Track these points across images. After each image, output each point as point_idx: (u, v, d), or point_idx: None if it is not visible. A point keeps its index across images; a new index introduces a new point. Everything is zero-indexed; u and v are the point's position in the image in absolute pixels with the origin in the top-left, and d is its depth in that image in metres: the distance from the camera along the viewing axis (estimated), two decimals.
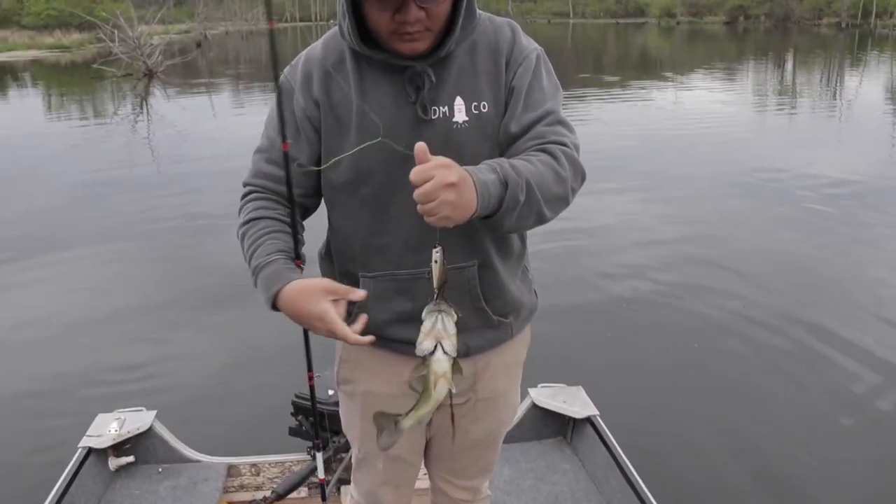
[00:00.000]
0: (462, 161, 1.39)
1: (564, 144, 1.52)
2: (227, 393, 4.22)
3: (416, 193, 1.27)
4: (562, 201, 1.49)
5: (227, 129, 14.18)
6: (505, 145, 1.56)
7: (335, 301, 1.43)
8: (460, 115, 1.54)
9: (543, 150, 1.49)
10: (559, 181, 1.46)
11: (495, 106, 1.56)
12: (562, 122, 1.57)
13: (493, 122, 1.56)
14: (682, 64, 31.65)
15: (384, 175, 1.56)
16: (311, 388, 1.90)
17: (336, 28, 1.61)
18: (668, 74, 25.86)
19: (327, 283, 1.46)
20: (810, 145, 12.01)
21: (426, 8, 1.43)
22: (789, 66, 30.84)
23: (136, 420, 3.01)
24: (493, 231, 1.55)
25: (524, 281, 1.80)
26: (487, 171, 1.36)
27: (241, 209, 1.68)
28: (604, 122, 14.34)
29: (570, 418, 3.14)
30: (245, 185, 1.70)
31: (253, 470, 2.99)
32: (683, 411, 4.00)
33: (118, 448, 2.96)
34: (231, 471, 2.98)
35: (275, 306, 1.50)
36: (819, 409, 4.00)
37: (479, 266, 1.63)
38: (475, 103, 1.55)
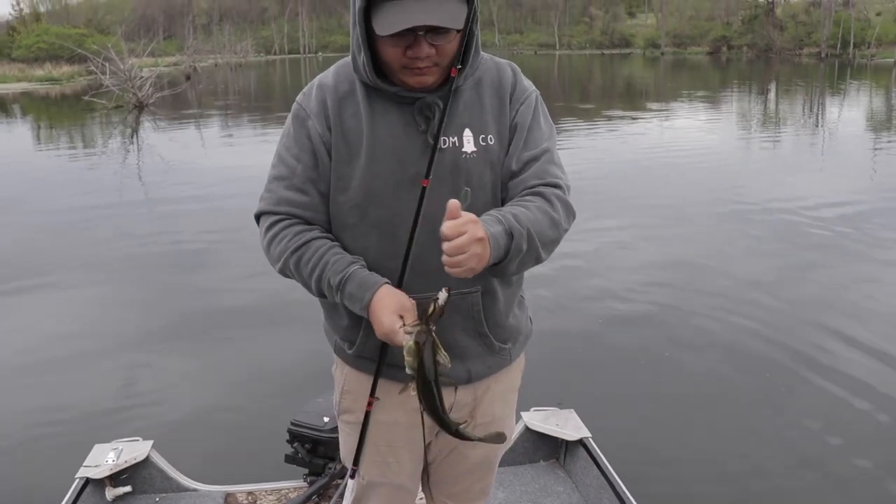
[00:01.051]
0: (472, 187, 1.60)
1: (558, 186, 1.66)
2: (223, 421, 4.22)
3: (449, 247, 1.39)
4: (556, 243, 1.63)
5: (216, 159, 14.28)
6: (506, 180, 1.67)
7: (401, 317, 1.53)
8: (469, 146, 1.62)
9: (540, 195, 1.62)
10: (554, 226, 1.60)
11: (499, 139, 1.66)
12: (556, 164, 1.70)
13: (498, 155, 1.65)
14: (667, 93, 32.05)
15: (394, 198, 1.61)
16: (368, 412, 1.78)
17: (347, 58, 1.68)
18: (653, 104, 26.19)
19: (405, 303, 1.55)
20: (793, 172, 12.18)
21: (436, 45, 1.52)
22: (772, 94, 31.29)
23: (133, 450, 3.03)
24: (496, 275, 1.63)
25: (521, 308, 1.86)
26: (494, 223, 1.48)
27: (274, 237, 1.66)
28: (590, 150, 14.50)
29: (562, 441, 3.18)
30: (265, 213, 1.70)
31: (250, 498, 3.01)
32: (675, 434, 4.06)
33: (115, 478, 2.97)
34: (228, 499, 3.00)
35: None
36: (808, 432, 4.05)
37: (482, 292, 1.69)
38: (482, 135, 1.64)
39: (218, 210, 9.47)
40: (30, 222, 9.36)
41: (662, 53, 78.08)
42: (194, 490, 3.04)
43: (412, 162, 1.60)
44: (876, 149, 15.05)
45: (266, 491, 3.02)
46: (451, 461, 1.92)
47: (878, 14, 65.10)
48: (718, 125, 19.61)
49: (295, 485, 3.03)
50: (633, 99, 29.31)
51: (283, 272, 1.69)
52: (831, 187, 10.62)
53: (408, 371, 1.50)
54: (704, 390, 4.55)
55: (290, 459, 3.00)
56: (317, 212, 1.67)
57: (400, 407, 1.75)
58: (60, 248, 8.10)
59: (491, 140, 1.64)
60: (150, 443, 3.09)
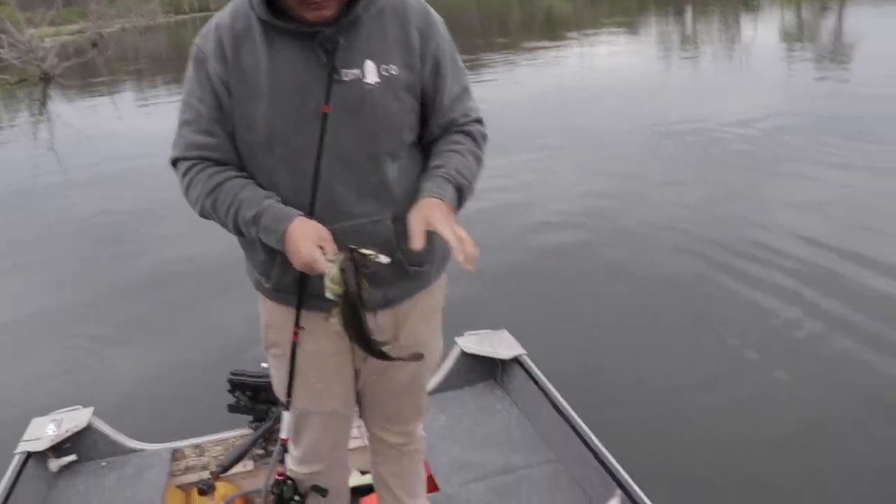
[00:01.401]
0: (375, 118, 1.62)
1: (479, 120, 1.82)
2: (163, 381, 4.20)
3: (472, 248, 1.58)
4: (479, 175, 1.80)
5: (133, 125, 13.83)
6: (438, 114, 1.74)
7: (321, 247, 1.58)
8: (371, 77, 1.63)
9: (469, 135, 1.76)
10: (479, 162, 1.78)
11: (406, 70, 1.66)
12: (472, 96, 1.82)
13: (403, 84, 1.66)
14: (586, 22, 32.07)
15: (299, 133, 1.62)
16: (294, 344, 1.86)
17: None
18: (573, 33, 26.21)
19: (323, 234, 1.59)
20: (712, 91, 12.39)
21: None
22: (689, 16, 31.60)
23: (74, 419, 3.00)
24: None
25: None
26: (444, 183, 1.66)
27: (190, 182, 1.69)
28: (512, 83, 14.48)
29: (498, 360, 3.26)
30: (179, 159, 1.71)
31: (197, 451, 3.02)
32: (606, 347, 4.22)
33: (58, 449, 2.93)
34: (176, 454, 3.00)
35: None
36: (732, 342, 4.21)
37: (392, 219, 1.71)
38: (384, 66, 1.64)
39: (141, 174, 9.23)
40: None
41: None
42: (140, 450, 3.03)
43: (314, 97, 1.60)
44: (790, 63, 15.41)
45: (212, 442, 3.03)
46: (382, 385, 1.96)
47: None
48: (638, 50, 19.76)
49: (240, 433, 3.04)
50: (552, 30, 29.27)
51: (203, 214, 1.72)
52: (750, 103, 10.81)
53: (332, 298, 1.54)
54: (632, 306, 4.71)
55: (233, 409, 3.00)
56: (227, 152, 1.68)
57: (325, 335, 1.79)
58: None
59: (394, 70, 1.65)
60: (90, 410, 3.06)
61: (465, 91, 1.79)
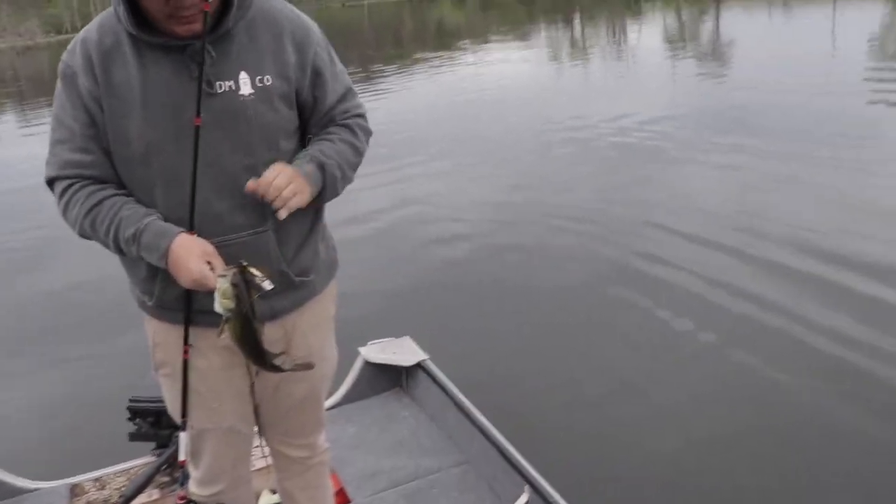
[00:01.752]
0: (251, 130, 1.63)
1: (360, 115, 1.83)
2: (56, 413, 4.06)
3: (272, 188, 1.57)
4: (358, 166, 1.82)
5: (19, 150, 13.16)
6: (318, 119, 1.76)
7: (208, 262, 1.58)
8: (246, 88, 1.63)
9: (344, 126, 1.78)
10: (356, 152, 1.79)
11: (280, 80, 1.67)
12: (355, 94, 1.84)
13: (279, 93, 1.67)
14: (478, 33, 32.59)
15: (175, 147, 1.61)
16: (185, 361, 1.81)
17: (111, 8, 1.62)
18: (466, 44, 26.60)
19: (208, 249, 1.60)
20: (601, 94, 12.89)
21: None
22: (577, 24, 32.58)
23: None
24: (321, 202, 1.75)
25: (323, 239, 1.88)
26: (306, 162, 1.66)
27: (68, 202, 1.65)
28: (407, 95, 14.61)
29: (402, 368, 3.29)
30: (55, 179, 1.67)
31: (98, 484, 2.91)
32: (507, 348, 4.33)
33: None
34: (75, 490, 2.88)
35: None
36: (630, 340, 4.36)
37: (273, 230, 1.71)
38: (259, 77, 1.64)
39: (25, 201, 8.77)
40: None
41: None
42: (35, 490, 2.90)
43: (188, 111, 1.58)
44: (672, 64, 16.13)
45: (114, 473, 2.93)
46: (277, 399, 1.94)
47: None
48: (528, 57, 20.22)
49: (144, 461, 2.94)
50: (444, 40, 29.63)
51: (83, 234, 1.69)
52: (636, 103, 11.31)
53: (223, 313, 1.54)
54: (532, 309, 4.83)
55: (134, 436, 2.89)
56: (104, 168, 1.65)
57: (213, 351, 1.78)
58: None
59: (269, 80, 1.65)
60: None
61: (348, 91, 1.81)
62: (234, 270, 1.53)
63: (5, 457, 3.16)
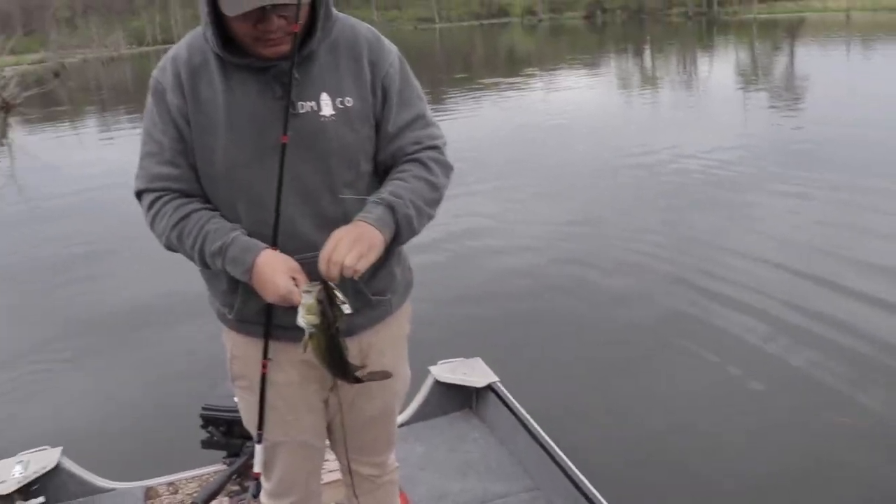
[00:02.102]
0: (332, 150, 1.66)
1: (435, 147, 1.78)
2: (135, 418, 4.14)
3: (335, 267, 1.54)
4: (438, 202, 1.77)
5: (96, 155, 13.74)
6: (385, 143, 1.74)
7: (293, 278, 1.59)
8: (327, 110, 1.66)
9: (416, 161, 1.74)
10: (433, 188, 1.74)
11: (360, 101, 1.69)
12: (431, 124, 1.81)
13: (359, 115, 1.69)
14: (548, 59, 32.68)
15: (258, 166, 1.65)
16: (263, 375, 1.83)
17: (200, 28, 1.66)
18: (535, 70, 26.66)
19: (293, 265, 1.62)
20: (672, 123, 12.75)
21: (286, 16, 1.54)
22: (648, 54, 32.39)
23: (42, 459, 2.92)
24: (399, 244, 1.73)
25: (398, 259, 1.88)
26: (373, 207, 1.63)
27: (156, 214, 1.69)
28: (477, 119, 14.68)
29: (472, 389, 3.28)
30: (143, 191, 1.72)
31: (171, 488, 2.97)
32: (578, 373, 4.28)
33: (25, 491, 2.83)
34: (149, 493, 2.95)
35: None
36: (705, 369, 4.28)
37: None
38: (339, 98, 1.67)
39: (105, 205, 9.16)
40: None
41: (540, 20, 79.27)
42: (112, 490, 2.97)
43: (272, 129, 1.62)
44: (744, 98, 15.87)
45: (187, 479, 3.00)
46: (351, 415, 1.95)
47: None
48: (597, 86, 20.18)
49: (215, 468, 3.01)
50: (514, 67, 29.71)
51: (169, 247, 1.72)
52: (706, 136, 11.16)
53: (307, 328, 1.57)
54: (605, 334, 4.80)
55: (206, 444, 2.97)
56: (191, 183, 1.70)
57: (291, 365, 1.81)
58: None
59: (349, 102, 1.68)
60: (59, 450, 2.98)
61: (419, 118, 1.78)
62: (319, 287, 1.56)
63: (85, 452, 3.27)
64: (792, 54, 26.28)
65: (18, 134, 19.44)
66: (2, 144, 17.64)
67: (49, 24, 66.97)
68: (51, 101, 27.41)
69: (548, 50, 40.19)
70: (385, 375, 1.83)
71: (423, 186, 1.72)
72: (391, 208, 1.65)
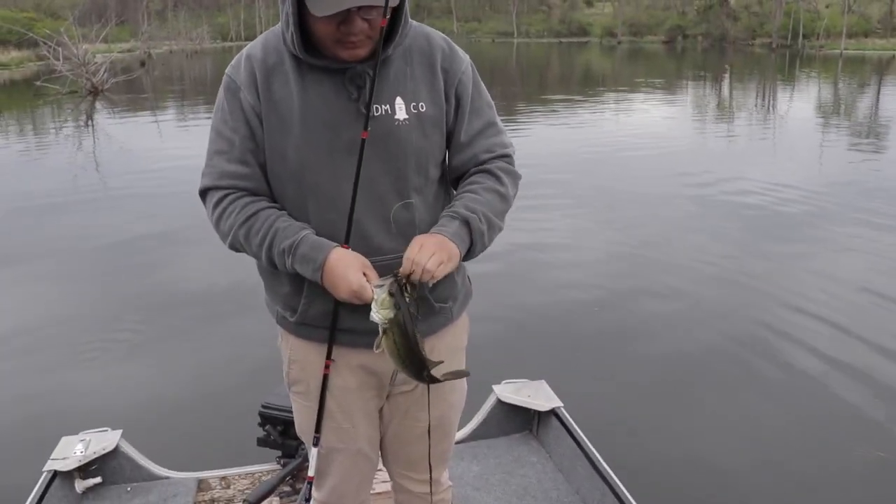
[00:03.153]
0: (404, 154, 1.67)
1: (505, 155, 1.81)
2: (193, 407, 4.21)
3: (418, 269, 1.56)
4: (507, 212, 1.79)
5: (173, 145, 14.10)
6: (457, 151, 1.76)
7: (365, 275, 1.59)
8: (401, 114, 1.66)
9: (487, 172, 1.76)
10: (503, 200, 1.76)
11: (433, 107, 1.70)
12: (500, 132, 1.82)
13: (431, 121, 1.70)
14: (625, 82, 32.37)
15: (329, 166, 1.64)
16: (325, 377, 1.83)
17: (276, 27, 1.68)
18: (611, 92, 26.43)
19: (365, 262, 1.61)
20: (748, 159, 12.44)
21: (369, 20, 1.55)
22: (726, 83, 31.80)
23: (102, 440, 2.99)
24: (471, 257, 1.74)
25: (460, 270, 1.86)
26: (449, 220, 1.66)
27: (223, 212, 1.68)
28: (548, 138, 14.61)
29: (534, 412, 3.22)
30: (210, 188, 1.71)
31: (223, 483, 3.00)
32: (643, 404, 4.19)
33: (84, 469, 2.92)
34: (201, 485, 2.98)
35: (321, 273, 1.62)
36: (771, 405, 4.19)
37: None
38: (414, 103, 1.68)
39: (178, 195, 9.37)
40: None
41: (619, 42, 78.66)
42: (166, 478, 3.02)
43: (345, 130, 1.63)
44: (824, 134, 15.47)
45: (239, 475, 3.02)
46: (405, 426, 1.92)
47: (828, 6, 66.33)
48: (675, 113, 19.88)
49: (268, 468, 3.03)
50: (589, 86, 29.53)
51: (234, 246, 1.71)
52: (783, 169, 10.98)
53: (382, 323, 1.55)
54: (671, 364, 4.71)
55: (262, 442, 2.99)
56: (260, 182, 1.69)
57: (350, 371, 1.80)
58: (17, 238, 7.93)
59: (423, 107, 1.68)
60: (118, 432, 3.05)
61: (490, 126, 1.79)
62: (392, 280, 1.55)
63: (143, 436, 3.33)
64: (878, 94, 25.45)
65: (103, 117, 20.10)
66: (87, 126, 18.27)
67: (141, 15, 69.41)
68: (135, 88, 28.36)
69: (624, 72, 39.81)
70: (462, 374, 1.79)
71: (495, 199, 1.73)
72: (466, 223, 1.66)
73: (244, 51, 1.71)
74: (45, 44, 27.79)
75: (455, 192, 1.79)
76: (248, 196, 1.68)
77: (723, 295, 5.86)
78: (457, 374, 1.77)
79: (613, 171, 11.37)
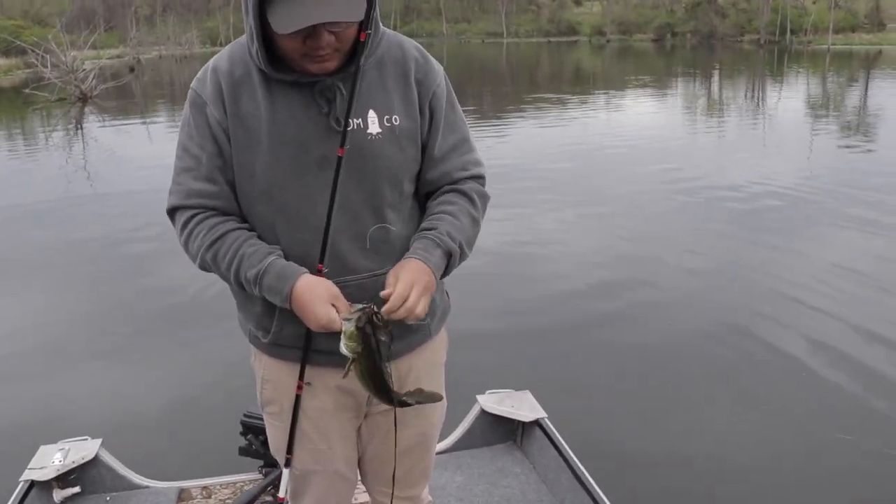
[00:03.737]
0: (377, 169, 1.61)
1: (479, 176, 1.77)
2: (174, 417, 4.18)
3: (405, 312, 1.53)
4: (476, 237, 1.75)
5: (164, 150, 14.04)
6: (430, 165, 1.70)
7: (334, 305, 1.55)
8: (374, 127, 1.60)
9: (464, 194, 1.72)
10: (475, 224, 1.73)
11: (407, 120, 1.64)
12: (474, 149, 1.78)
13: (405, 134, 1.64)
14: (613, 80, 32.43)
15: (299, 183, 1.59)
16: (298, 396, 1.78)
17: (243, 39, 1.61)
18: (600, 90, 26.50)
19: (333, 291, 1.56)
20: (737, 155, 12.45)
21: (335, 32, 1.48)
22: (715, 80, 31.90)
23: (81, 449, 2.95)
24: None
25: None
26: (433, 247, 1.62)
27: (190, 233, 1.63)
28: (537, 137, 14.62)
29: (518, 422, 3.19)
30: (177, 208, 1.65)
31: (204, 492, 2.97)
32: (629, 413, 4.14)
33: (63, 479, 2.88)
34: (182, 495, 2.96)
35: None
36: (757, 409, 4.15)
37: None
38: (387, 116, 1.62)
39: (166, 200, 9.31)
40: None
41: (608, 41, 78.84)
42: (146, 487, 2.99)
43: (316, 145, 1.57)
44: (813, 129, 15.52)
45: (221, 485, 3.00)
46: (385, 445, 1.87)
47: (815, 2, 66.68)
48: (662, 110, 19.95)
49: (250, 477, 3.01)
50: (579, 86, 29.56)
51: (203, 267, 1.67)
52: (773, 166, 10.97)
53: (349, 354, 1.52)
54: (659, 374, 4.63)
55: (244, 452, 2.96)
56: (229, 200, 1.64)
57: (326, 391, 1.76)
58: (4, 249, 7.85)
59: (397, 120, 1.62)
60: (98, 441, 3.01)
61: (464, 142, 1.74)
62: (359, 314, 1.51)
63: (123, 445, 3.30)
64: (866, 87, 25.57)
65: (92, 124, 20.06)
66: (76, 133, 18.22)
67: (129, 21, 69.26)
68: (125, 94, 28.27)
69: (614, 70, 39.89)
70: (434, 398, 1.74)
71: (471, 226, 1.71)
72: (448, 254, 1.64)
73: (210, 63, 1.64)
74: (33, 51, 27.77)
75: (430, 206, 1.74)
76: (216, 217, 1.62)
77: (714, 304, 5.74)
78: (429, 398, 1.72)
79: (600, 169, 11.34)
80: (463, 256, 1.68)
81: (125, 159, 13.57)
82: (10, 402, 4.43)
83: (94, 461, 2.95)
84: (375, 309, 1.52)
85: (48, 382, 4.67)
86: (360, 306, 1.53)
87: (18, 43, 31.48)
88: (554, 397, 3.48)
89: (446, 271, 1.66)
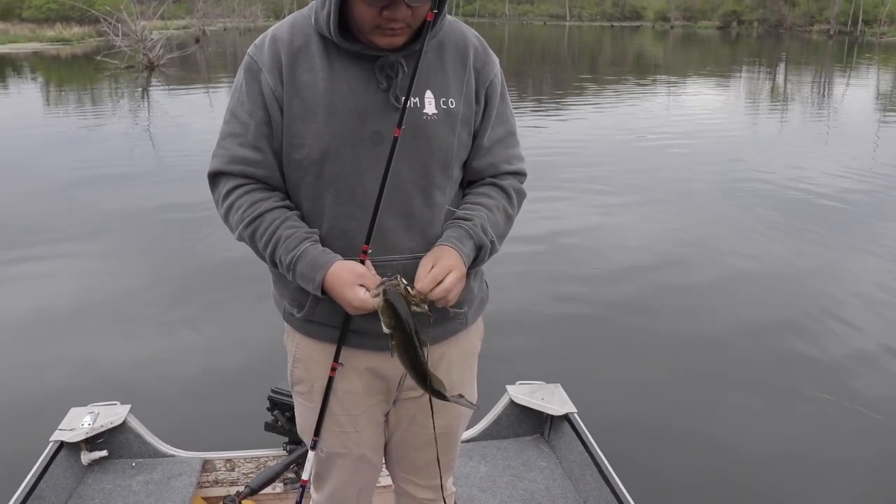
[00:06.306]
0: (430, 150, 1.61)
1: (521, 173, 1.77)
2: (203, 388, 4.20)
3: (439, 290, 1.54)
4: (508, 233, 1.77)
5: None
6: (476, 154, 1.71)
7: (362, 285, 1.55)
8: (430, 108, 1.60)
9: (503, 190, 1.73)
10: (509, 221, 1.75)
11: (463, 105, 1.64)
12: (518, 143, 1.78)
13: (460, 118, 1.64)
14: (677, 67, 31.71)
15: (352, 156, 1.57)
16: (331, 379, 1.74)
17: (304, 10, 1.61)
18: (662, 78, 25.95)
19: (359, 271, 1.56)
20: (800, 150, 12.08)
21: (413, 7, 1.48)
22: (782, 70, 30.96)
23: (110, 414, 2.97)
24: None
25: (475, 273, 1.79)
26: (466, 238, 1.63)
27: (231, 205, 1.63)
28: (595, 124, 14.40)
29: (547, 415, 3.13)
30: (219, 173, 1.65)
31: (228, 465, 2.99)
32: (660, 411, 4.05)
33: (91, 442, 2.92)
34: (206, 465, 2.98)
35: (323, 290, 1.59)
36: (791, 410, 4.06)
37: None
38: (444, 98, 1.62)
39: None
40: (35, 186, 9.25)
41: (672, 27, 77.07)
42: (171, 456, 3.02)
43: (372, 120, 1.56)
44: (882, 125, 14.97)
45: (245, 458, 3.00)
46: (412, 432, 1.87)
47: None
48: (725, 100, 19.44)
49: (274, 453, 3.00)
50: (642, 72, 28.91)
51: (241, 240, 1.67)
52: (838, 162, 10.66)
53: (387, 331, 1.52)
54: (693, 371, 4.53)
55: (269, 427, 2.95)
56: (271, 170, 1.62)
57: (357, 374, 1.75)
58: (59, 213, 8.02)
59: (452, 103, 1.62)
60: (127, 407, 3.03)
61: (511, 135, 1.75)
62: (384, 287, 1.49)
63: (151, 412, 3.33)
64: None
65: (158, 92, 20.49)
66: (143, 100, 18.68)
67: None
68: (190, 64, 28.77)
69: (677, 58, 38.98)
70: (469, 405, 1.72)
71: (504, 221, 1.72)
72: (479, 248, 1.65)
73: (269, 31, 1.63)
74: (104, 20, 28.46)
75: (469, 194, 1.74)
76: (257, 192, 1.62)
77: (762, 299, 5.56)
78: (463, 402, 1.69)
79: (655, 158, 11.08)
80: (493, 252, 1.69)
81: (187, 127, 13.88)
82: (47, 363, 4.50)
83: (123, 426, 2.98)
84: (404, 281, 1.51)
85: (82, 345, 4.75)
86: (384, 280, 1.52)
87: (92, 12, 32.22)
88: (585, 392, 3.41)
89: (474, 263, 1.67)
